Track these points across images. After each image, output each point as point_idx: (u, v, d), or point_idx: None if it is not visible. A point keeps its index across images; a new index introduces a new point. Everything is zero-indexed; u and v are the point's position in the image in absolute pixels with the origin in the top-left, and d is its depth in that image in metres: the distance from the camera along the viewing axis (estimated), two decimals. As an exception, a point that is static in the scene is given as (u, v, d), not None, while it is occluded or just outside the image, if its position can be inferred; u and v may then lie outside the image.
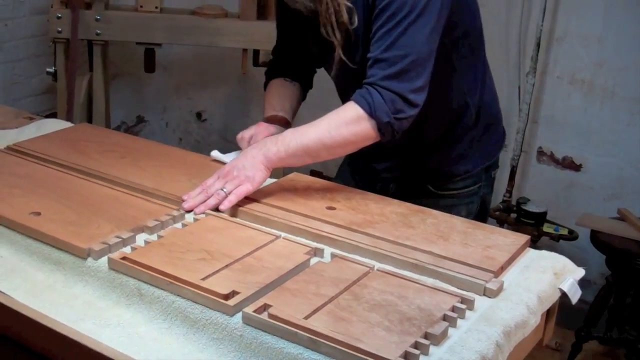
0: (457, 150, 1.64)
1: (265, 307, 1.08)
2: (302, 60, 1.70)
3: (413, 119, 1.43)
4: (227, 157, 1.64)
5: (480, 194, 1.70)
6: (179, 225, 1.35)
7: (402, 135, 1.44)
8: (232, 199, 1.40)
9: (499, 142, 1.73)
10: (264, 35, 2.73)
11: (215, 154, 1.67)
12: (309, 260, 1.23)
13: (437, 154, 1.64)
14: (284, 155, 1.43)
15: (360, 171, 1.75)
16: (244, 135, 1.65)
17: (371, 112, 1.39)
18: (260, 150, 1.45)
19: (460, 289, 1.18)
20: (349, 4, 1.44)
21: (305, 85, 1.77)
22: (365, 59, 1.46)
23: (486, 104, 1.64)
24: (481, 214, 1.73)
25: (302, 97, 1.77)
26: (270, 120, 1.68)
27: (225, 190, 1.40)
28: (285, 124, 1.68)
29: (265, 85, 1.77)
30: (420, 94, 1.41)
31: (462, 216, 1.62)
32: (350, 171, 1.79)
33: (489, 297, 1.17)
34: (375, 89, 1.40)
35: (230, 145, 3.97)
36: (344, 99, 1.66)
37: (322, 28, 1.47)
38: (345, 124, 1.41)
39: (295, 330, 1.03)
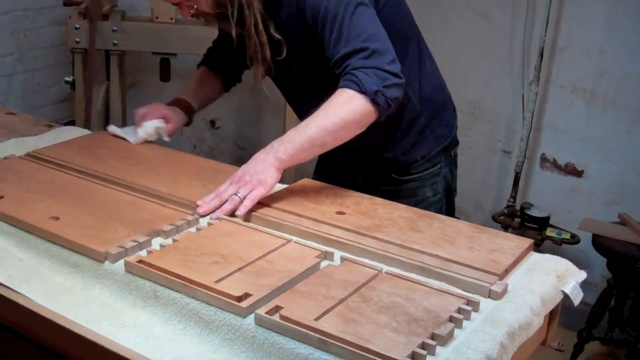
0: (409, 139, 1.70)
1: (277, 308, 1.09)
2: (234, 58, 1.75)
3: (402, 88, 1.49)
4: (123, 132, 1.77)
5: (443, 174, 1.76)
6: (193, 229, 1.36)
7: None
8: (248, 204, 1.41)
9: (450, 123, 1.78)
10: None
11: (111, 128, 1.79)
12: (319, 263, 1.24)
13: (390, 146, 1.70)
14: (292, 152, 1.45)
15: (328, 173, 1.79)
16: (139, 111, 1.77)
17: (360, 89, 1.44)
18: (269, 153, 1.47)
19: (466, 291, 1.18)
20: (278, 36, 1.54)
21: (231, 79, 1.89)
22: (302, 71, 1.60)
23: (428, 92, 1.70)
24: (448, 193, 1.78)
25: (225, 89, 1.89)
26: (176, 102, 1.80)
27: (239, 195, 1.42)
28: (189, 110, 1.81)
29: (198, 67, 1.87)
30: (396, 64, 1.47)
31: (428, 196, 1.73)
32: (319, 178, 1.81)
33: (494, 299, 1.18)
34: (356, 70, 1.45)
35: (242, 152, 3.97)
36: (294, 102, 1.77)
37: (248, 60, 1.58)
38: (340, 106, 1.45)
39: (306, 331, 1.04)
